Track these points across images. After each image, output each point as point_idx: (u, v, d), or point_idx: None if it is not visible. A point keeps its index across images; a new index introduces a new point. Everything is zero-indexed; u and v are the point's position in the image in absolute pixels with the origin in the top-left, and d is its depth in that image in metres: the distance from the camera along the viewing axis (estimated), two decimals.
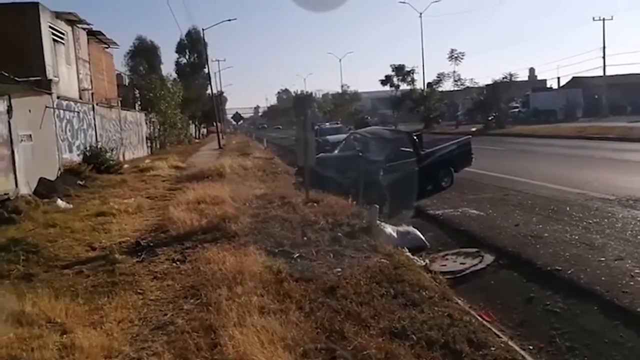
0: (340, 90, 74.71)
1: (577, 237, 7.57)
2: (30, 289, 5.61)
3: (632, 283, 5.65)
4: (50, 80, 15.45)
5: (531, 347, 4.69)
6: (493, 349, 4.12)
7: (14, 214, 9.59)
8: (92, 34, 22.94)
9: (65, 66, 18.63)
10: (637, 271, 5.96)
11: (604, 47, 52.86)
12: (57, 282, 6.04)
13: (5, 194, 10.64)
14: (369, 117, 59.15)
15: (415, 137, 13.20)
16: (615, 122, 34.23)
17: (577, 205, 9.68)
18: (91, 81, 21.95)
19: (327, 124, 35.48)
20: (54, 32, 17.32)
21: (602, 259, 6.51)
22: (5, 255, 6.94)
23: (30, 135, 12.60)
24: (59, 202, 11.23)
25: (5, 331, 4.42)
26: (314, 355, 3.90)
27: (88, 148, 18.07)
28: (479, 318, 5.02)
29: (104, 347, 4.14)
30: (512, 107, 49.36)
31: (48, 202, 11.09)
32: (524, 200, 10.63)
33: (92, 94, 21.51)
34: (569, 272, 6.18)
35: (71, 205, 11.22)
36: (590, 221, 8.48)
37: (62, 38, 18.22)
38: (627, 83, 54.03)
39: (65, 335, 4.40)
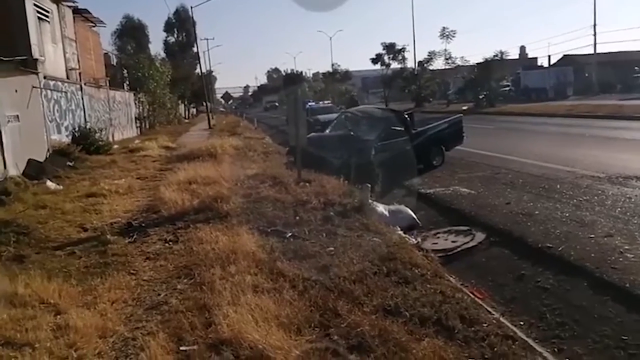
0: (330, 69, 74.16)
1: (567, 215, 7.64)
2: (22, 270, 5.58)
3: (621, 259, 5.72)
4: (36, 59, 15.13)
5: (522, 323, 4.75)
6: (485, 325, 4.18)
7: (3, 195, 9.47)
8: (78, 12, 22.47)
9: (51, 45, 18.27)
10: (626, 247, 6.04)
11: (594, 25, 52.85)
12: (49, 263, 6.02)
13: None
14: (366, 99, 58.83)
15: (406, 116, 13.19)
16: (605, 100, 34.34)
17: (567, 183, 9.75)
18: (78, 60, 21.59)
19: (320, 103, 35.50)
20: (38, 9, 16.93)
21: (592, 235, 6.58)
22: None
23: (18, 116, 12.41)
24: (49, 183, 11.12)
25: None
26: (308, 333, 3.93)
27: (77, 129, 17.85)
28: (471, 295, 5.08)
29: (98, 327, 4.14)
30: (503, 85, 49.24)
31: (37, 184, 10.98)
32: (515, 179, 10.68)
33: (80, 73, 21.17)
34: (560, 249, 6.25)
35: (61, 187, 11.12)
36: (581, 199, 8.55)
37: (47, 16, 17.84)
38: (617, 61, 53.98)
39: (59, 316, 4.40)
